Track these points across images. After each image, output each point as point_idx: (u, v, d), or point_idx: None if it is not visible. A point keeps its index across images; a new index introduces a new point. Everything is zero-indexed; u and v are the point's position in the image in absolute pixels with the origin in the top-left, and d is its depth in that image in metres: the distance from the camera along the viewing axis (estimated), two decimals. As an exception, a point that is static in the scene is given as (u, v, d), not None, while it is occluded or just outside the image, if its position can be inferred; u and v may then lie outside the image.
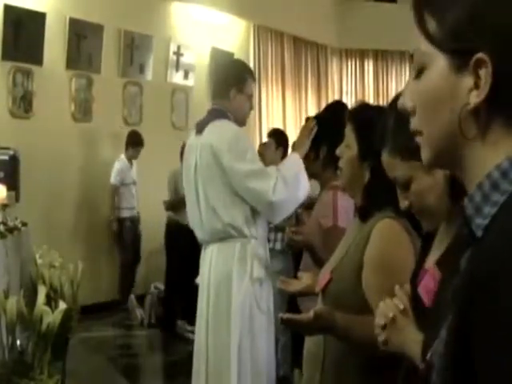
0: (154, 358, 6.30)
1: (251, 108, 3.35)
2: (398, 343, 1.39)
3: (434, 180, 1.44)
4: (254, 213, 3.12)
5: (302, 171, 3.06)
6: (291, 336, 4.31)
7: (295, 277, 2.43)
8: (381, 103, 10.60)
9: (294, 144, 3.14)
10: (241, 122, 3.25)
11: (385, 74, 11.59)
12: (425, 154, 0.92)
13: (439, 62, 0.86)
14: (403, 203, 1.52)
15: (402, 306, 1.41)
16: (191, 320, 5.99)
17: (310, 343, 2.05)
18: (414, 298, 1.42)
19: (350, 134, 2.03)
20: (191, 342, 5.92)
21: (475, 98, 0.83)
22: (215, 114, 3.21)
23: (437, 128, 0.88)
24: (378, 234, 1.88)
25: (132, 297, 7.13)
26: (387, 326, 1.41)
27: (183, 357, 5.91)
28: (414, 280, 1.47)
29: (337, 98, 10.44)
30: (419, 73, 0.89)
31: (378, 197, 1.92)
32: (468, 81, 0.83)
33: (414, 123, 0.92)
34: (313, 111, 10.31)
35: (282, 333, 4.28)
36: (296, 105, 10.39)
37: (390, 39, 10.70)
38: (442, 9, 0.86)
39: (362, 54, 11.49)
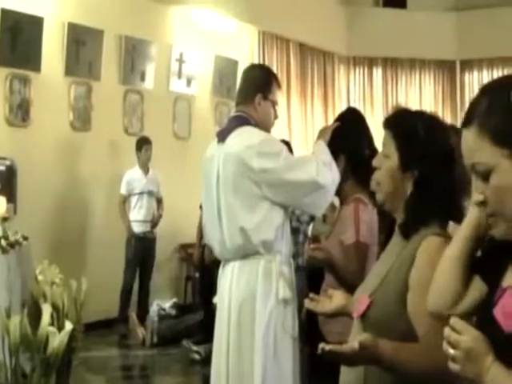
0: (157, 380, 6.05)
1: (276, 116, 3.18)
2: (475, 373, 1.21)
3: None
4: (284, 228, 2.95)
5: (331, 156, 2.90)
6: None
7: (307, 297, 2.17)
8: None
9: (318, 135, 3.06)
10: (265, 129, 3.07)
11: (394, 82, 11.40)
12: None
13: None
14: (477, 197, 1.32)
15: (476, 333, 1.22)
16: (197, 340, 5.77)
17: (350, 374, 1.86)
18: (488, 322, 1.27)
19: (389, 142, 1.91)
20: (197, 363, 5.76)
21: None
22: (238, 121, 3.04)
23: None
24: (425, 253, 1.76)
25: (133, 315, 6.88)
26: (462, 357, 1.21)
27: (188, 379, 5.66)
28: (489, 300, 1.33)
29: (344, 107, 10.24)
30: None
31: (422, 211, 1.81)
32: None
33: None
34: (319, 120, 10.14)
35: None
36: (302, 114, 10.21)
37: (400, 46, 10.61)
38: None
39: (370, 62, 11.30)
